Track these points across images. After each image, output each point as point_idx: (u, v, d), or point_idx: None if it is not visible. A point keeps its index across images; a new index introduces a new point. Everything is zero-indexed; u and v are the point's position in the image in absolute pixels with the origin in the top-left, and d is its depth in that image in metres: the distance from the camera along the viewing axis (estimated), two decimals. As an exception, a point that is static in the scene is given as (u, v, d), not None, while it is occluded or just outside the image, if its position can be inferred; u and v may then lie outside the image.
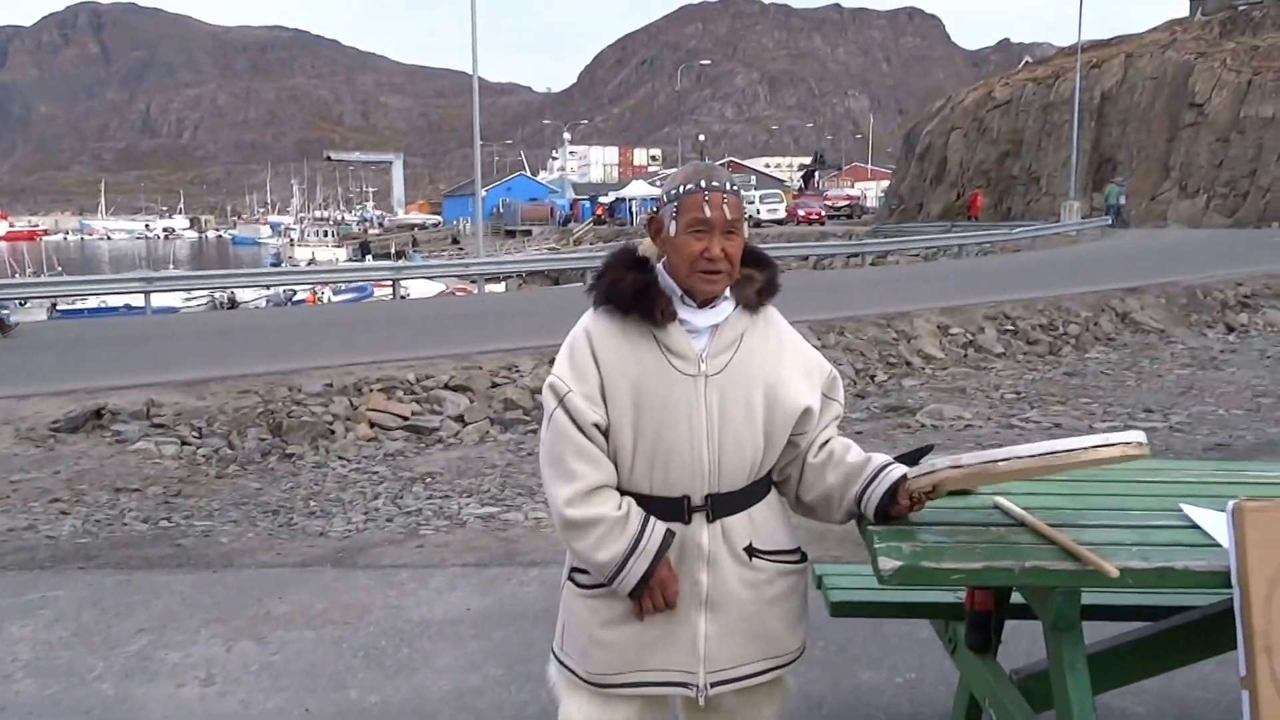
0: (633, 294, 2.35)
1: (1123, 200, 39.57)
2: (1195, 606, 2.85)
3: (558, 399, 2.36)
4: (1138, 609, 3.02)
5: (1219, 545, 2.27)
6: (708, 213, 2.30)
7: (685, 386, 2.33)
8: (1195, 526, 2.42)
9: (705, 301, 2.38)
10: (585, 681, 2.43)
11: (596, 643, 2.41)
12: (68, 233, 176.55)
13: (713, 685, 2.39)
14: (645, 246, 2.45)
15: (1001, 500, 2.53)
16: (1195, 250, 25.69)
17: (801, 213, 59.04)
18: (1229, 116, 40.77)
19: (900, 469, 2.44)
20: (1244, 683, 2.16)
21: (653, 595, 2.33)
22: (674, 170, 2.71)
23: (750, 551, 2.40)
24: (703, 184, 2.33)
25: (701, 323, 2.37)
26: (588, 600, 2.43)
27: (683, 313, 2.37)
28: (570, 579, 2.49)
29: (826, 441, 2.51)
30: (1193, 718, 3.58)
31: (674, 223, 2.34)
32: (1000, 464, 2.24)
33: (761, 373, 2.38)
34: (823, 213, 59.68)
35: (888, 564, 2.19)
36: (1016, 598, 2.89)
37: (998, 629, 2.95)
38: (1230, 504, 2.19)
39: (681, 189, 2.34)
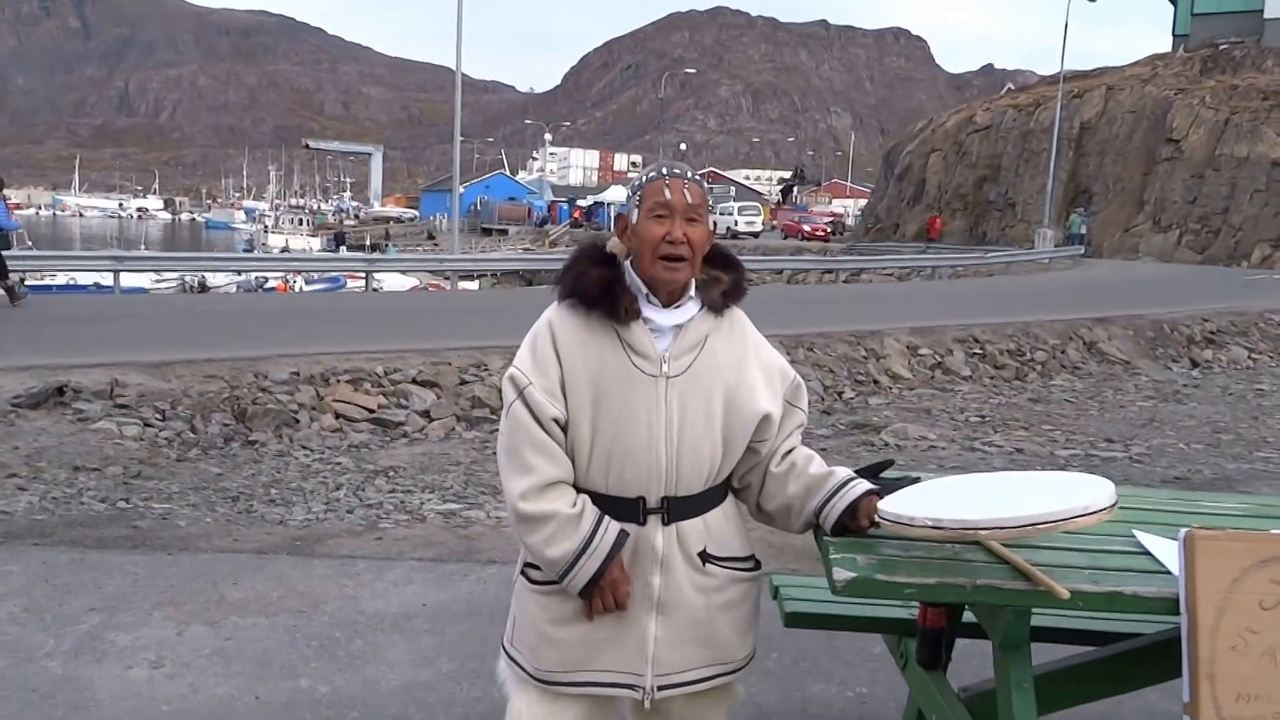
0: (598, 289, 2.36)
1: (1084, 230, 40.11)
2: (1143, 634, 2.88)
3: (517, 391, 2.36)
4: (1087, 633, 3.05)
5: (1169, 572, 2.29)
6: (668, 195, 2.32)
7: (646, 386, 2.33)
8: (1147, 553, 2.45)
9: (670, 300, 2.38)
10: (533, 678, 2.42)
11: (546, 640, 2.40)
12: (40, 208, 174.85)
13: (660, 689, 2.39)
14: (613, 244, 2.46)
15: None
16: (1164, 284, 25.91)
17: (807, 228, 56.21)
18: (1205, 154, 41.13)
19: (862, 485, 2.45)
20: (1187, 710, 2.18)
21: (603, 595, 2.32)
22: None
23: (704, 557, 2.41)
24: (664, 171, 2.37)
25: (666, 322, 2.37)
26: (539, 596, 2.42)
27: (647, 311, 2.37)
28: (523, 573, 2.48)
29: (789, 451, 2.52)
30: (1137, 744, 3.62)
31: (637, 210, 2.36)
32: (982, 532, 2.25)
33: (723, 376, 2.39)
34: (828, 229, 56.85)
35: (842, 575, 2.21)
36: (969, 616, 2.92)
37: (948, 646, 2.98)
38: (1182, 532, 2.21)
39: (644, 178, 2.38)
